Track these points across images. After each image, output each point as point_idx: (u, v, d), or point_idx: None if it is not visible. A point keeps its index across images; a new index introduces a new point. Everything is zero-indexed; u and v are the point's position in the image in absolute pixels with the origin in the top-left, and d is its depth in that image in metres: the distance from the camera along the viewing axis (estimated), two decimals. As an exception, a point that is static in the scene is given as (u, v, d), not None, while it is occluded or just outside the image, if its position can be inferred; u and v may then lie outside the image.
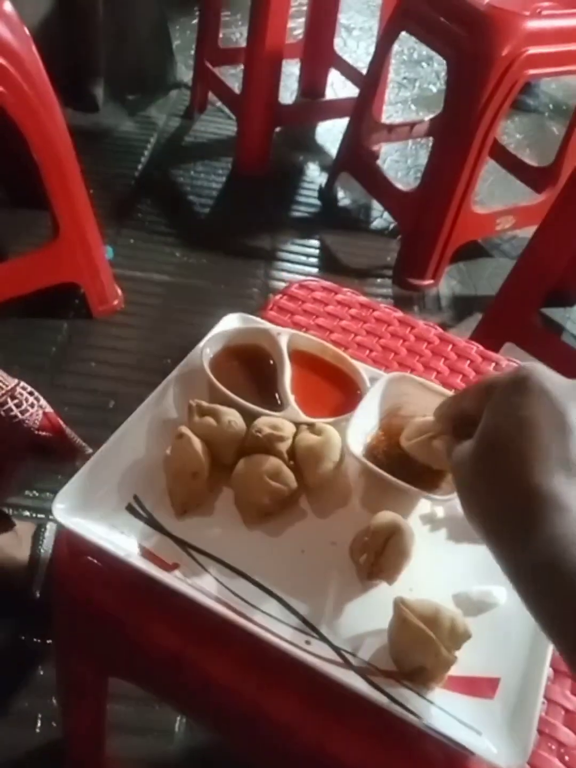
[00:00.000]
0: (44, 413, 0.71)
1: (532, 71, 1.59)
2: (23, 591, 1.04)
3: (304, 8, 2.40)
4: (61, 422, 0.73)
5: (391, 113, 2.61)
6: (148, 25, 2.39)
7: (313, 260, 1.93)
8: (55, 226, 1.44)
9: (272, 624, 0.47)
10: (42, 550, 1.03)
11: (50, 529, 1.06)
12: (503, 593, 0.52)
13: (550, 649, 0.49)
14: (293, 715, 0.47)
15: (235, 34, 2.89)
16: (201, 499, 0.53)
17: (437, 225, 1.77)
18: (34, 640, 1.09)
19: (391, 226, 2.06)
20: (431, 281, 1.89)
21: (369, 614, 0.50)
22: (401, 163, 2.37)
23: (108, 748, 0.81)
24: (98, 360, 1.54)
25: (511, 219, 1.91)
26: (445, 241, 1.81)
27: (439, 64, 2.93)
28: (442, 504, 0.56)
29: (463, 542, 0.55)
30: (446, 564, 0.54)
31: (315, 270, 1.91)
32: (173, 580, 0.47)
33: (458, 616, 0.47)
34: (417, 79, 2.92)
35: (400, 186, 1.90)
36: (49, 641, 1.09)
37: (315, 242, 1.99)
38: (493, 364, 0.72)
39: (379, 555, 0.50)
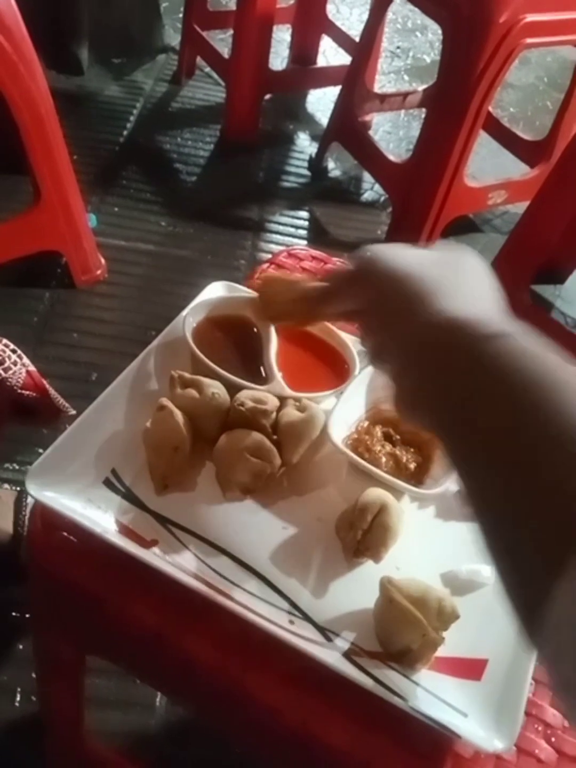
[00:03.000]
0: (27, 372, 0.69)
1: (529, 40, 1.55)
2: (8, 561, 1.02)
3: (297, -29, 2.33)
4: (45, 382, 0.71)
5: (383, 83, 2.56)
6: (135, -15, 2.32)
7: (302, 232, 1.90)
8: (36, 191, 1.39)
9: (255, 603, 0.45)
10: (25, 517, 1.01)
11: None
12: (491, 572, 0.50)
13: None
14: (276, 696, 0.45)
15: (225, -3, 2.81)
16: (182, 474, 0.51)
17: (429, 198, 1.74)
18: (14, 613, 1.08)
19: (382, 198, 2.02)
20: (422, 256, 1.86)
21: (354, 593, 0.48)
22: (393, 134, 2.33)
23: (87, 723, 0.80)
24: (81, 331, 1.51)
25: (503, 193, 1.88)
26: (436, 214, 1.78)
27: (434, 34, 2.87)
28: (429, 497, 0.54)
29: (452, 520, 0.53)
30: (434, 542, 0.52)
31: (304, 241, 1.87)
32: (152, 557, 0.45)
33: (446, 597, 0.45)
34: (411, 48, 2.86)
35: (391, 157, 1.86)
36: (30, 614, 1.07)
37: (304, 213, 1.96)
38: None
39: (366, 532, 0.48)
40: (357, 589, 0.48)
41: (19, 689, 1.02)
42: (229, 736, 0.54)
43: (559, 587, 0.26)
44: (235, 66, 2.02)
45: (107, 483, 0.49)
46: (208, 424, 0.53)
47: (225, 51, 2.10)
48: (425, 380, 0.36)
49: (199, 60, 2.32)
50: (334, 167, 2.12)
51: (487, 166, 2.20)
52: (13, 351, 0.69)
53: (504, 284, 1.55)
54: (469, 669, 0.46)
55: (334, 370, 0.58)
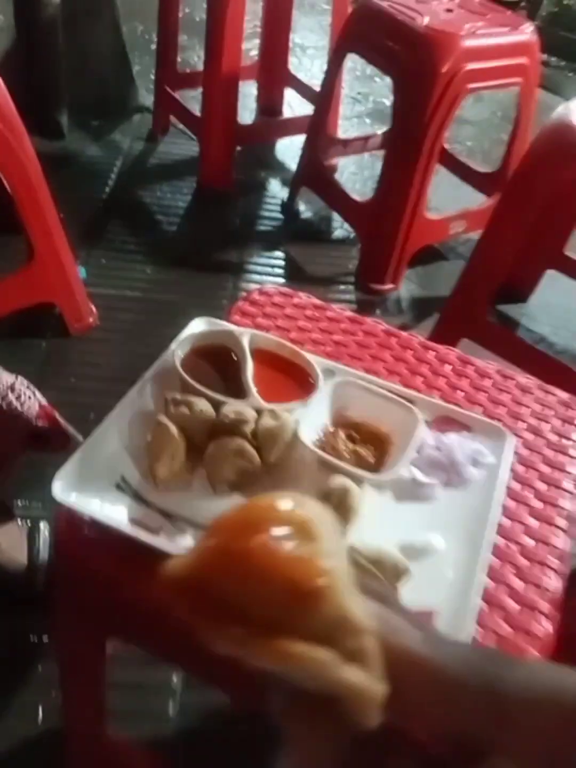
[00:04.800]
0: (40, 405, 0.80)
1: (472, 85, 1.71)
2: (25, 589, 1.11)
3: (258, 29, 2.51)
4: (56, 413, 0.82)
5: (346, 128, 2.72)
6: (109, 52, 2.48)
7: (279, 271, 2.03)
8: (30, 249, 1.51)
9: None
10: (39, 549, 1.10)
11: (43, 530, 1.13)
12: (441, 541, 0.61)
13: (481, 583, 0.58)
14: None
15: (193, 57, 2.98)
16: (178, 478, 0.62)
17: (393, 232, 1.88)
18: (32, 637, 1.15)
19: (351, 235, 2.16)
20: (391, 285, 1.99)
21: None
22: (359, 174, 2.48)
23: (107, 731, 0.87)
24: (77, 375, 1.61)
25: (463, 223, 2.02)
26: (401, 246, 1.91)
27: (391, 79, 3.05)
28: (386, 482, 0.65)
29: (406, 501, 0.64)
30: (392, 519, 0.63)
31: (281, 280, 2.00)
32: (158, 541, 0.55)
33: (400, 558, 0.55)
34: (370, 93, 3.04)
35: (356, 197, 2.00)
36: (46, 638, 1.15)
37: (280, 253, 2.09)
38: (433, 353, 0.81)
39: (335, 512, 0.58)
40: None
41: (40, 708, 1.09)
42: (239, 702, 0.62)
43: None
44: (206, 122, 2.17)
45: (118, 487, 0.60)
46: (198, 434, 0.63)
47: (196, 108, 2.25)
48: None
49: (172, 118, 2.47)
50: (305, 209, 2.26)
51: (449, 199, 2.35)
52: (27, 387, 0.80)
53: (467, 306, 1.68)
54: (421, 619, 0.55)
55: (301, 385, 0.69)
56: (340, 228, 2.20)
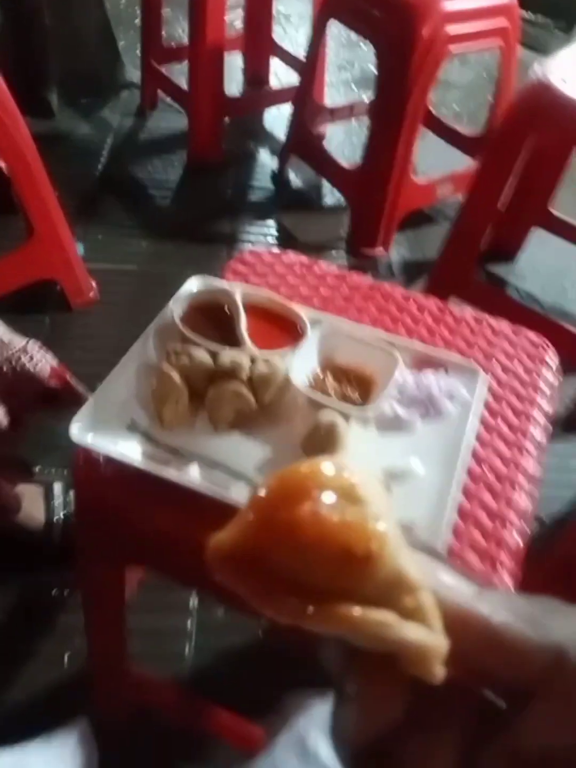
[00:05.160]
0: (51, 366, 0.86)
1: (453, 47, 1.75)
2: (44, 546, 1.19)
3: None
4: (67, 373, 0.88)
5: (333, 95, 2.75)
6: (94, 29, 2.50)
7: (271, 239, 2.08)
8: (29, 228, 1.57)
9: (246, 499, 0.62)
10: (55, 506, 1.18)
11: (57, 489, 1.21)
12: (420, 465, 0.68)
13: (456, 500, 0.65)
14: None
15: (177, 30, 2.99)
16: (183, 419, 0.68)
17: (381, 197, 1.92)
18: (53, 592, 1.24)
19: (342, 201, 2.20)
20: (382, 249, 2.04)
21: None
22: (347, 141, 2.52)
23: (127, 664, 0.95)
24: (80, 347, 1.68)
25: (450, 186, 2.07)
26: (390, 211, 1.96)
27: (376, 44, 3.06)
28: (370, 415, 0.71)
29: (388, 432, 0.71)
30: (376, 449, 0.69)
31: (274, 248, 2.05)
32: (167, 472, 0.62)
33: (382, 479, 0.62)
34: (355, 60, 3.06)
35: (344, 164, 2.05)
36: (67, 591, 1.24)
37: (272, 222, 2.14)
38: (414, 303, 0.88)
39: (324, 443, 0.65)
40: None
41: (66, 654, 1.17)
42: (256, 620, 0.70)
43: None
44: (193, 95, 2.20)
45: (129, 428, 0.67)
46: (199, 381, 0.70)
47: (183, 82, 2.28)
48: None
49: (160, 92, 2.50)
50: (295, 178, 2.31)
51: (437, 163, 2.39)
52: (39, 349, 0.86)
53: (454, 266, 1.74)
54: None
55: (291, 333, 0.76)
56: (330, 195, 2.25)
